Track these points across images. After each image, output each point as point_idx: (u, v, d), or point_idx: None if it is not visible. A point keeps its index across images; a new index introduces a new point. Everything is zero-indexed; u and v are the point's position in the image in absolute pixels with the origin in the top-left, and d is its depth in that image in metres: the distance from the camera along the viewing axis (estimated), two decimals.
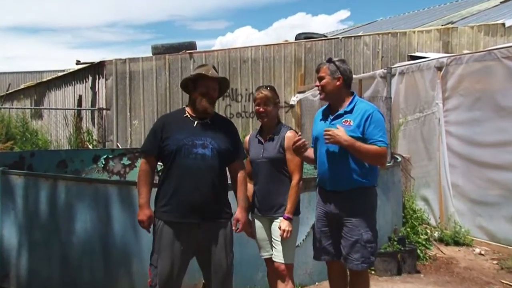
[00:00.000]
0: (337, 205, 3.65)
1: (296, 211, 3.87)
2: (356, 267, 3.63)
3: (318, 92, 3.83)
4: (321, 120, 3.82)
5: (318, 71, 3.76)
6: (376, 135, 3.54)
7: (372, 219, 3.69)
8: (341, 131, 3.50)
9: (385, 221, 6.05)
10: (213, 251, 3.46)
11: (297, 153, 3.69)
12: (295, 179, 3.80)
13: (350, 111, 3.64)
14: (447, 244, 6.78)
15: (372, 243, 3.64)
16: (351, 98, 3.72)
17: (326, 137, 3.51)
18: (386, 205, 6.11)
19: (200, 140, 3.46)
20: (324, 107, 3.89)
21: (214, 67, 3.67)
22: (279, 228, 3.72)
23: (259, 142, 3.95)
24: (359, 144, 3.49)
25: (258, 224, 3.95)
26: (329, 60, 3.70)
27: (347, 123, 3.60)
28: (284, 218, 3.73)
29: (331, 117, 3.71)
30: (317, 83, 3.78)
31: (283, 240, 3.76)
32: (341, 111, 3.67)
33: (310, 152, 3.83)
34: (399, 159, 7.28)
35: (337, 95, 3.70)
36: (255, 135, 4.03)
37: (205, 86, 3.53)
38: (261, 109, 3.87)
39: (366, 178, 3.63)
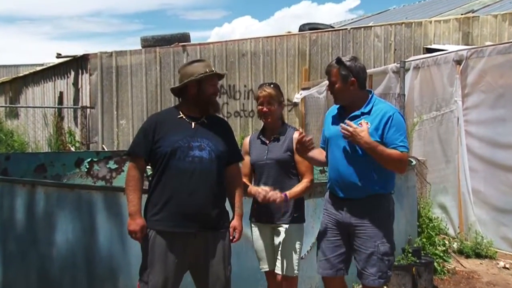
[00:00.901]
0: (351, 214, 3.64)
1: (301, 218, 3.88)
2: (373, 283, 3.61)
3: (331, 94, 3.81)
4: (334, 119, 3.80)
5: (328, 73, 3.72)
6: (397, 139, 3.53)
7: (389, 229, 3.69)
8: (364, 130, 3.48)
9: (398, 230, 6.02)
10: (210, 264, 3.46)
11: (301, 152, 3.69)
12: (308, 178, 3.89)
13: (368, 112, 3.63)
14: (467, 256, 6.78)
15: (390, 255, 3.63)
16: (369, 97, 3.71)
17: (346, 133, 3.49)
18: (399, 213, 6.06)
19: (197, 142, 3.46)
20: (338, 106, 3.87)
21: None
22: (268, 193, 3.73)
23: (262, 142, 3.97)
24: (381, 148, 3.48)
25: (257, 233, 3.95)
26: (339, 62, 3.65)
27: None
28: (282, 193, 3.75)
29: (346, 118, 3.70)
30: (328, 88, 3.78)
31: (287, 250, 3.77)
32: (357, 112, 3.66)
33: (315, 153, 3.83)
34: (414, 162, 7.27)
35: (353, 98, 3.69)
36: (257, 136, 4.05)
37: (213, 85, 3.59)
38: (265, 109, 3.90)
39: (384, 184, 3.63)
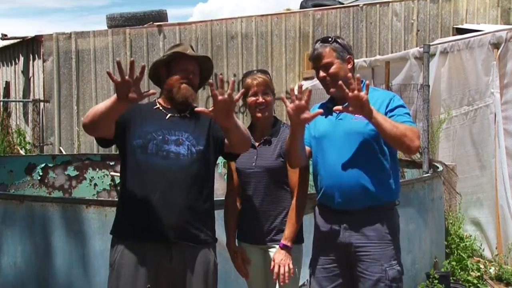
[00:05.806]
0: (351, 231, 3.65)
1: (298, 238, 3.86)
2: None
3: (326, 84, 3.75)
4: (323, 116, 3.75)
5: (319, 57, 3.67)
6: (401, 114, 3.55)
7: (397, 249, 3.69)
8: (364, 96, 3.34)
9: (421, 252, 6.06)
10: None
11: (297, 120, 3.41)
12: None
13: None
14: (507, 283, 6.79)
15: (399, 281, 3.64)
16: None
17: (356, 103, 3.28)
18: (422, 230, 6.12)
19: (174, 136, 3.48)
20: (325, 101, 3.87)
21: (191, 47, 3.71)
22: (273, 261, 3.70)
23: (251, 145, 3.95)
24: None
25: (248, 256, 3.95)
26: (327, 40, 3.68)
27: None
28: (280, 246, 3.72)
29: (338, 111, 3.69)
30: (322, 74, 3.71)
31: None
32: None
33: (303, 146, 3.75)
34: (440, 168, 7.29)
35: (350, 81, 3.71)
36: None
37: (182, 70, 3.56)
38: (261, 99, 3.85)
39: (391, 190, 3.63)
